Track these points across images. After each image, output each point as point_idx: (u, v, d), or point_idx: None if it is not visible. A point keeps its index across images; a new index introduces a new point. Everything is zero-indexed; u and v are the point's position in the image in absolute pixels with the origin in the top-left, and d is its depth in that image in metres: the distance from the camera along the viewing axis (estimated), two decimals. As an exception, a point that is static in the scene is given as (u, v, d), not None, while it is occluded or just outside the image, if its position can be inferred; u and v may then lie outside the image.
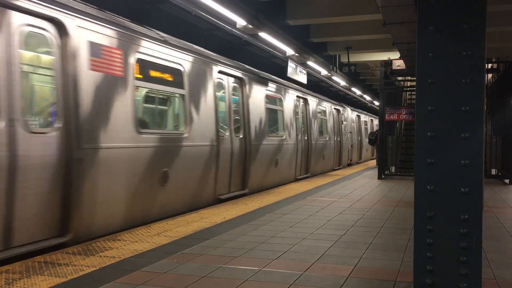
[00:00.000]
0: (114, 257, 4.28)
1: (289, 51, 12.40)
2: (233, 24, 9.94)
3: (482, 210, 2.95)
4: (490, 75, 14.10)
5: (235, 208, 7.21)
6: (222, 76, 8.37)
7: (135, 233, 5.31)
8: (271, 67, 14.36)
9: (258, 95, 9.82)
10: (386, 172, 13.65)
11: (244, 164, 9.04)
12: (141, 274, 3.78)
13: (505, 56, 13.32)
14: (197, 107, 7.31)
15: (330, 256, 4.39)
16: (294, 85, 12.86)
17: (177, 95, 7.01)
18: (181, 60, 6.94)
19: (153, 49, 6.28)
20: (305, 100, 13.46)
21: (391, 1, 7.62)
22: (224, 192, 8.30)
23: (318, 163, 14.43)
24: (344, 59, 16.96)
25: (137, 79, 5.96)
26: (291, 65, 12.45)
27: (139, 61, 6.05)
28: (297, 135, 12.25)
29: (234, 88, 8.96)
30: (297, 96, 12.70)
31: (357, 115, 21.54)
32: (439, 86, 2.99)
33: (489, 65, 13.62)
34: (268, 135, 10.17)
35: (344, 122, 18.26)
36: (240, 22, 9.26)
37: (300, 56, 12.93)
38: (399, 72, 15.23)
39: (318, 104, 14.78)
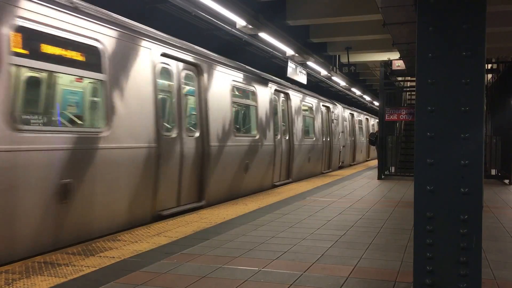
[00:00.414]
0: (114, 257, 4.28)
1: (289, 52, 12.41)
2: (233, 24, 9.95)
3: (482, 211, 2.95)
4: (490, 76, 14.10)
5: (235, 208, 7.21)
6: (168, 60, 6.75)
7: (134, 233, 5.31)
8: (271, 67, 14.36)
9: (221, 86, 8.19)
10: (386, 172, 13.65)
11: (201, 169, 7.46)
12: (141, 275, 3.78)
13: (504, 57, 13.31)
14: (123, 98, 5.66)
15: (330, 256, 4.39)
16: (273, 77, 11.28)
17: (91, 80, 5.49)
18: (99, 34, 5.35)
19: (49, 16, 4.70)
20: (286, 95, 11.93)
21: (391, 1, 7.62)
22: (170, 206, 6.68)
23: (304, 166, 12.93)
24: (344, 60, 16.95)
25: (17, 55, 4.37)
26: (291, 66, 12.46)
27: (21, 30, 4.43)
28: (275, 135, 10.73)
29: (188, 77, 7.39)
30: (276, 90, 11.17)
31: (350, 113, 20.01)
32: (439, 86, 2.98)
33: (489, 66, 13.64)
34: (235, 135, 8.63)
35: (335, 121, 16.84)
36: (240, 22, 9.26)
37: (300, 57, 12.94)
38: (399, 73, 15.24)
39: (303, 100, 13.20)
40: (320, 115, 14.91)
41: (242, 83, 9.24)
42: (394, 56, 14.86)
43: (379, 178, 12.97)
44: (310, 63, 14.25)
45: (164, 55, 6.61)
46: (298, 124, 12.48)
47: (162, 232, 5.38)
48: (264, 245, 4.82)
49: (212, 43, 10.43)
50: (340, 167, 17.58)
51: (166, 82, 6.88)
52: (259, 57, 14.51)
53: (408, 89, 16.60)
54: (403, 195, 9.21)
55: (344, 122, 18.47)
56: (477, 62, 2.92)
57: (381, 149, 13.57)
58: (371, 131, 24.17)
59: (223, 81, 8.34)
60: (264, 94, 10.23)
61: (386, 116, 12.92)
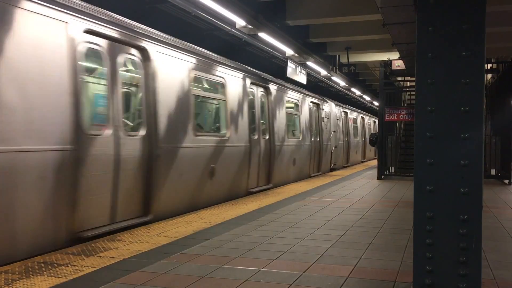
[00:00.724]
0: (113, 257, 4.28)
1: (289, 52, 12.41)
2: (232, 24, 9.95)
3: (482, 210, 2.95)
4: (489, 76, 14.11)
5: (234, 209, 7.21)
6: (96, 39, 5.37)
7: (134, 233, 5.31)
8: (270, 67, 14.37)
9: (178, 76, 6.78)
10: (385, 172, 13.66)
11: (148, 177, 6.12)
12: (140, 275, 3.77)
13: (504, 57, 13.32)
14: (19, 84, 4.29)
15: (329, 256, 4.39)
16: (249, 68, 9.81)
17: None
18: None
19: None
20: (266, 89, 10.47)
21: (391, 1, 7.64)
22: (99, 224, 5.32)
23: (288, 169, 11.62)
24: (343, 60, 16.96)
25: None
26: (290, 66, 12.46)
27: None
28: (251, 134, 9.39)
29: (130, 62, 6.14)
30: (254, 83, 9.72)
31: (343, 111, 18.54)
32: (439, 86, 2.99)
33: (489, 66, 13.64)
34: (196, 134, 7.22)
35: (326, 119, 15.44)
36: (240, 22, 9.27)
37: (299, 57, 12.95)
38: (399, 73, 15.25)
39: (287, 95, 11.76)
40: (308, 113, 13.48)
41: (207, 73, 7.74)
42: (393, 56, 14.87)
43: (379, 178, 12.97)
44: (310, 63, 14.26)
45: (90, 32, 5.21)
46: (281, 122, 11.06)
47: (162, 232, 5.38)
48: (264, 245, 4.82)
49: (212, 43, 10.43)
50: (332, 169, 16.31)
51: (94, 67, 5.61)
52: (258, 57, 14.51)
53: (408, 89, 16.61)
54: (403, 195, 9.21)
55: (337, 120, 17.17)
56: (477, 62, 2.92)
57: (381, 149, 13.57)
58: (367, 130, 23.73)
59: (181, 69, 6.86)
60: (236, 87, 8.75)
61: (386, 116, 12.92)
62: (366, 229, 5.72)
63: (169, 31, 7.17)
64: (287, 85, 12.10)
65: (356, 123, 21.42)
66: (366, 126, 24.29)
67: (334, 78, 17.41)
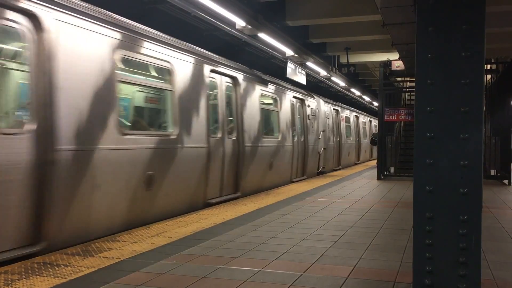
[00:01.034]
0: (113, 258, 4.28)
1: (288, 52, 12.40)
2: (232, 25, 9.94)
3: (481, 211, 2.95)
4: (489, 76, 14.12)
5: (234, 209, 7.20)
6: None
7: (134, 234, 5.31)
8: (270, 68, 14.37)
9: (90, 55, 5.19)
10: (385, 172, 13.66)
11: (38, 195, 4.59)
12: (140, 275, 3.77)
13: (504, 57, 13.33)
14: None
15: (329, 256, 4.39)
16: (208, 52, 8.11)
17: None
18: None
19: None
20: (234, 80, 8.89)
21: (391, 2, 7.64)
22: None
23: (263, 174, 9.99)
24: (343, 60, 16.96)
25: None
26: (290, 66, 12.45)
27: None
28: (211, 133, 7.83)
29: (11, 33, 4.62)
30: (214, 71, 8.06)
31: (334, 109, 17.03)
32: (438, 86, 2.99)
33: (488, 66, 13.65)
34: (123, 133, 5.67)
35: (312, 117, 13.88)
36: (239, 22, 9.26)
37: (299, 57, 12.94)
38: (398, 73, 15.26)
39: (262, 87, 10.06)
40: (289, 109, 11.81)
41: (139, 53, 6.09)
42: (393, 56, 14.88)
43: (379, 178, 12.97)
44: (310, 64, 14.25)
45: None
46: (253, 120, 9.44)
47: (162, 233, 5.38)
48: (264, 245, 4.82)
49: (212, 44, 10.43)
50: (320, 173, 14.64)
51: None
52: (258, 57, 14.51)
53: (407, 89, 16.61)
54: (403, 196, 9.21)
55: (326, 119, 15.61)
56: (477, 62, 2.92)
57: (381, 149, 13.57)
58: (361, 130, 22.56)
59: (92, 47, 5.27)
60: (187, 75, 7.12)
61: (386, 116, 12.92)
62: (365, 229, 5.72)
63: (169, 32, 7.17)
64: (264, 76, 10.45)
65: (349, 122, 19.91)
66: (361, 125, 22.72)
67: (333, 78, 17.41)
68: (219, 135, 8.19)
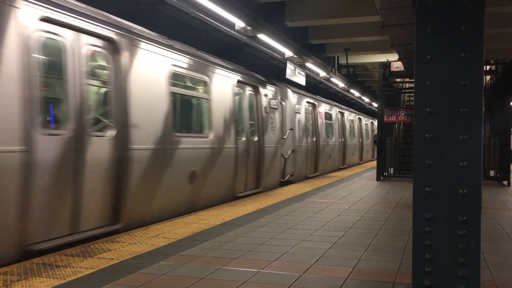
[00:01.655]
0: (112, 258, 4.27)
1: (288, 53, 12.42)
2: (231, 26, 9.95)
3: (481, 212, 2.95)
4: (488, 77, 14.13)
5: (233, 210, 7.20)
6: None
7: (133, 235, 5.30)
8: (269, 68, 14.37)
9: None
10: (384, 173, 13.67)
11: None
12: (139, 276, 3.77)
13: (503, 58, 13.34)
14: None
15: (328, 257, 4.39)
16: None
17: None
18: None
19: None
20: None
21: (390, 3, 7.64)
22: None
23: (182, 191, 7.04)
24: (342, 61, 16.99)
25: None
26: (289, 67, 12.46)
27: None
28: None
29: None
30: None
31: (309, 102, 14.18)
32: (438, 87, 2.99)
33: (488, 67, 13.66)
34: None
35: (272, 110, 10.73)
36: (239, 23, 9.27)
37: (298, 58, 12.96)
38: (398, 74, 15.26)
39: (179, 65, 6.97)
40: (229, 98, 8.59)
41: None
42: (392, 57, 14.90)
43: (378, 179, 12.98)
44: (309, 65, 14.26)
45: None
46: (157, 111, 6.41)
47: (161, 234, 5.37)
48: (263, 246, 4.82)
49: (211, 45, 10.42)
50: (287, 182, 11.81)
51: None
52: (258, 58, 14.51)
53: (407, 90, 16.62)
54: (402, 196, 9.21)
55: (297, 114, 12.83)
56: (476, 63, 2.92)
57: (380, 150, 13.58)
58: (347, 129, 19.31)
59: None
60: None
61: (385, 117, 12.93)
62: (365, 230, 5.72)
63: (168, 33, 7.17)
64: (185, 48, 7.37)
65: (332, 120, 16.76)
66: (347, 124, 19.33)
67: (333, 79, 17.42)
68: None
